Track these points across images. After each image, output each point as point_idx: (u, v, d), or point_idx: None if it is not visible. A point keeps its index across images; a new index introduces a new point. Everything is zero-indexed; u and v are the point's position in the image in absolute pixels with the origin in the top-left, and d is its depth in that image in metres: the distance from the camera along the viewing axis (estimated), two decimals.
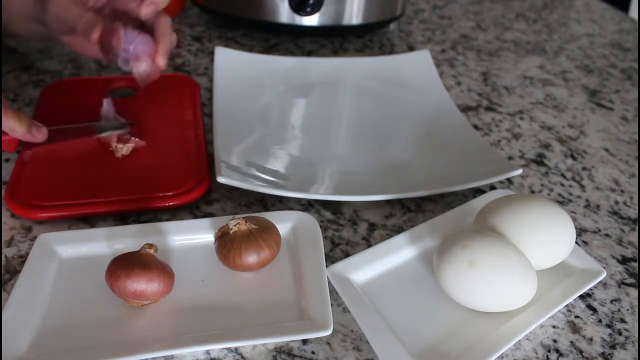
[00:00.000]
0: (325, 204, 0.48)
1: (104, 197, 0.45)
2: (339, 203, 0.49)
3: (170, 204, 0.45)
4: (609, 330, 0.39)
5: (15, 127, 0.47)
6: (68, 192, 0.45)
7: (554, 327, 0.39)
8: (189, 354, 0.35)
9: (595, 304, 0.41)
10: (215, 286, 0.39)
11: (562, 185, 0.54)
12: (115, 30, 0.49)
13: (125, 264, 0.35)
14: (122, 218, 0.45)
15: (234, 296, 0.38)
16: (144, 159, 0.50)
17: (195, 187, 0.47)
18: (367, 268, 0.40)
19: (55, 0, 0.49)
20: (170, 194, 0.46)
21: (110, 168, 0.49)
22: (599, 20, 1.01)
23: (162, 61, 0.51)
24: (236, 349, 0.36)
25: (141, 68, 0.50)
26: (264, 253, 0.38)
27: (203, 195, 0.48)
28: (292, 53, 0.76)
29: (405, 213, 0.48)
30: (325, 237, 0.45)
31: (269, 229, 0.39)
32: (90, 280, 0.38)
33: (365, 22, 0.76)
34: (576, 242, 0.44)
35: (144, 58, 0.50)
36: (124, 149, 0.50)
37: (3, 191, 0.47)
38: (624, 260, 0.45)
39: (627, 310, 0.41)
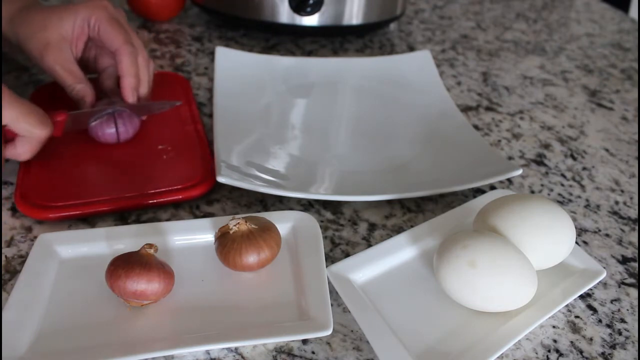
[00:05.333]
0: (326, 204, 0.48)
1: (111, 194, 0.45)
2: (339, 203, 0.49)
3: (180, 197, 0.46)
4: (609, 330, 0.39)
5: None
6: (75, 192, 0.45)
7: (554, 327, 0.39)
8: (189, 354, 0.35)
9: (595, 304, 0.41)
10: (215, 286, 0.39)
11: (562, 185, 0.54)
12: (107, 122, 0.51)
13: (125, 264, 0.35)
14: (122, 218, 0.45)
15: (234, 296, 0.38)
16: (148, 156, 0.51)
17: (201, 182, 0.47)
18: (367, 268, 0.40)
19: (47, 63, 0.50)
20: (178, 187, 0.46)
21: (115, 165, 0.49)
22: (599, 20, 1.01)
23: (129, 97, 0.52)
24: (236, 349, 0.36)
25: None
26: (264, 253, 0.38)
27: (205, 194, 0.48)
28: (292, 53, 0.76)
29: (405, 213, 0.48)
30: (325, 237, 0.45)
31: (269, 229, 0.39)
32: (90, 280, 0.38)
33: (365, 22, 0.76)
34: (576, 242, 0.44)
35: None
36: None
37: (4, 191, 0.47)
38: (624, 260, 0.45)
39: (627, 310, 0.41)
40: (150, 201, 0.45)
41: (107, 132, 0.51)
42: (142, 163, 0.50)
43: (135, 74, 0.52)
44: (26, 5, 0.53)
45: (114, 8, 0.54)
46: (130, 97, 0.52)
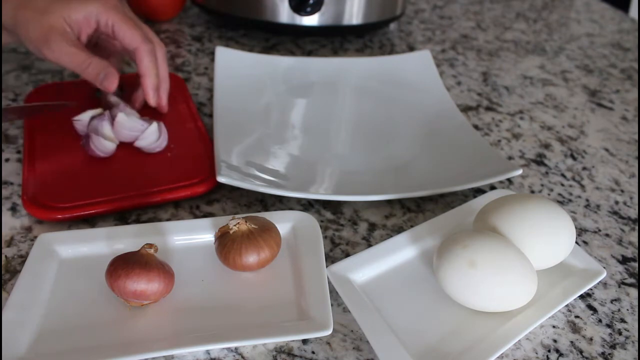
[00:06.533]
0: (325, 204, 0.48)
1: (117, 194, 0.45)
2: (339, 203, 0.49)
3: (188, 193, 0.46)
4: (609, 330, 0.39)
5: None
6: (81, 192, 0.45)
7: (554, 327, 0.39)
8: (189, 354, 0.35)
9: (595, 304, 0.41)
10: (215, 286, 0.39)
11: (562, 185, 0.54)
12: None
13: (125, 264, 0.35)
14: (122, 218, 0.45)
15: (234, 296, 0.38)
16: (152, 155, 0.51)
17: (206, 179, 0.48)
18: (367, 268, 0.40)
19: (53, 46, 0.48)
20: (184, 184, 0.47)
21: (119, 164, 0.49)
22: (599, 20, 1.01)
23: (151, 97, 0.51)
24: (236, 349, 0.36)
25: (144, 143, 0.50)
26: (264, 253, 0.38)
27: (206, 193, 0.48)
28: (292, 53, 0.76)
29: (405, 213, 0.48)
30: (325, 237, 0.45)
31: (269, 229, 0.39)
32: (90, 280, 0.38)
33: (365, 22, 0.76)
34: (576, 242, 0.44)
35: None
36: None
37: (4, 191, 0.47)
38: (624, 260, 0.45)
39: (627, 310, 0.41)
40: (156, 198, 0.45)
41: (101, 148, 0.49)
42: (145, 162, 0.50)
43: (156, 73, 0.52)
44: None
45: (121, 4, 0.53)
46: (152, 97, 0.52)
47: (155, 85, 0.52)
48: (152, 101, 0.52)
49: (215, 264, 0.39)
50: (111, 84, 0.49)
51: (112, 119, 0.50)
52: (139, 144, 0.50)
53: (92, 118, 0.50)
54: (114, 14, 0.50)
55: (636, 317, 0.40)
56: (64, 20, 0.49)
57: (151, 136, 0.50)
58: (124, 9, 0.52)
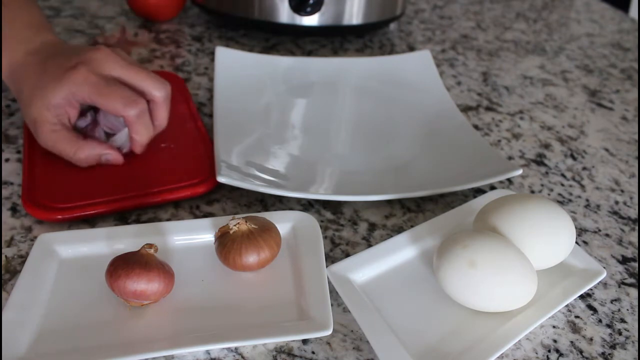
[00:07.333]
0: (325, 204, 0.48)
1: (118, 194, 0.45)
2: (339, 203, 0.49)
3: (188, 193, 0.46)
4: (609, 330, 0.39)
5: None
6: (83, 192, 0.45)
7: (554, 327, 0.39)
8: (189, 354, 0.35)
9: (595, 304, 0.41)
10: (215, 286, 0.39)
11: (562, 185, 0.54)
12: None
13: (125, 264, 0.35)
14: (122, 218, 0.45)
15: (234, 296, 0.38)
16: (153, 154, 0.51)
17: (208, 179, 0.48)
18: (367, 268, 0.40)
19: (40, 137, 0.47)
20: (186, 183, 0.47)
21: (121, 164, 0.49)
22: (599, 20, 1.01)
23: (137, 151, 0.50)
24: (236, 349, 0.36)
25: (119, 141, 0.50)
26: (264, 253, 0.38)
27: (206, 193, 0.48)
28: (292, 53, 0.76)
29: (405, 213, 0.48)
30: (325, 237, 0.45)
31: (269, 229, 0.39)
32: (90, 280, 0.38)
33: (365, 22, 0.76)
34: (576, 242, 0.44)
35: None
36: None
37: (4, 191, 0.47)
38: (624, 260, 0.45)
39: (627, 310, 0.41)
40: (157, 199, 0.45)
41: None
42: (145, 162, 0.50)
43: (148, 132, 0.49)
44: (31, 51, 0.49)
45: (103, 58, 0.48)
46: (138, 151, 0.50)
47: (144, 143, 0.50)
48: (137, 151, 0.50)
49: (215, 264, 0.40)
50: (115, 160, 0.49)
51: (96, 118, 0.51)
52: (114, 142, 0.50)
53: (77, 120, 0.49)
54: (88, 88, 0.46)
55: (636, 317, 0.40)
56: (46, 109, 0.47)
57: (123, 136, 0.50)
58: (101, 66, 0.48)
